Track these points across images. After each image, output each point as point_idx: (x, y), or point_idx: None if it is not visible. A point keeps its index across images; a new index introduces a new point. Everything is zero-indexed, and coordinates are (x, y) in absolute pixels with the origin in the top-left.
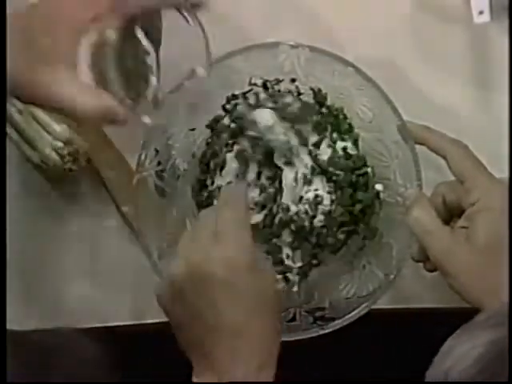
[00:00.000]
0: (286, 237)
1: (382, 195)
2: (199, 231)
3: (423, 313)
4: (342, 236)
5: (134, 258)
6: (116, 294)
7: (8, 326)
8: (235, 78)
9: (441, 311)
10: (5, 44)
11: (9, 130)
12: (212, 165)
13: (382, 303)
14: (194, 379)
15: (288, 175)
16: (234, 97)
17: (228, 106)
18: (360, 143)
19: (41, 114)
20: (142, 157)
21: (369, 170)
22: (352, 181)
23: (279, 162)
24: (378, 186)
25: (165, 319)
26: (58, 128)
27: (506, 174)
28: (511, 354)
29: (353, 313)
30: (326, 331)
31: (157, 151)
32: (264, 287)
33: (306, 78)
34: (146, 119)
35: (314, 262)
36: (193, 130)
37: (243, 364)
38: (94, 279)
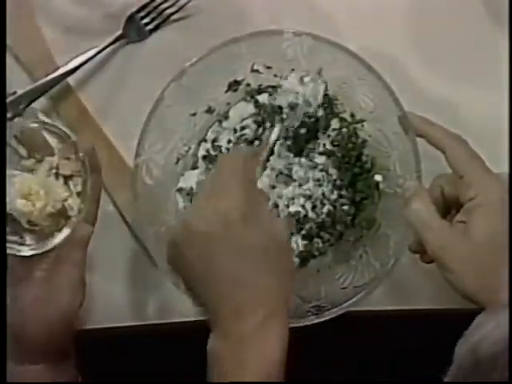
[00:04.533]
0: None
1: (381, 186)
2: (198, 193)
3: (420, 314)
4: (340, 227)
5: (135, 258)
6: (116, 295)
7: None
8: (238, 64)
9: (439, 312)
10: (4, 42)
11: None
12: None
13: (380, 304)
14: (210, 338)
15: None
16: (236, 83)
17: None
18: (360, 133)
19: (42, 117)
20: (142, 141)
21: (369, 159)
22: (353, 170)
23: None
24: (378, 177)
25: (165, 320)
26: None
27: (504, 170)
28: (511, 354)
29: (348, 302)
30: (321, 320)
31: (157, 136)
32: (262, 237)
33: (309, 66)
34: None
35: (316, 253)
36: (194, 114)
37: (248, 315)
38: (94, 280)
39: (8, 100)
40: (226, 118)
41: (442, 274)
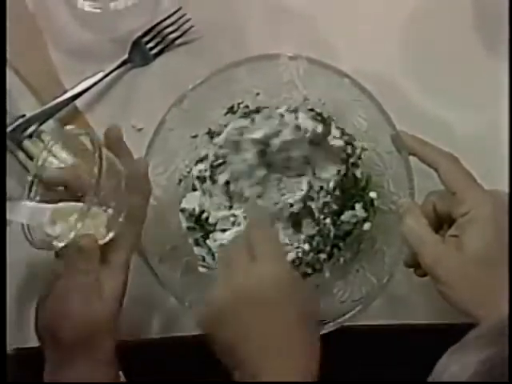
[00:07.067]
0: None
1: (375, 203)
2: (233, 255)
3: (417, 328)
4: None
5: (139, 276)
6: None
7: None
8: (236, 88)
9: (434, 327)
10: (5, 43)
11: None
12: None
13: (378, 319)
14: None
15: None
16: (238, 105)
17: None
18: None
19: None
20: None
21: (364, 177)
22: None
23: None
24: (372, 194)
25: (167, 334)
26: (64, 154)
27: (495, 187)
28: (511, 355)
29: (347, 316)
30: (321, 333)
31: (160, 158)
32: (306, 298)
33: (305, 88)
34: None
35: (310, 271)
36: (195, 136)
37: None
38: None
39: (17, 123)
40: (219, 134)
41: (435, 286)
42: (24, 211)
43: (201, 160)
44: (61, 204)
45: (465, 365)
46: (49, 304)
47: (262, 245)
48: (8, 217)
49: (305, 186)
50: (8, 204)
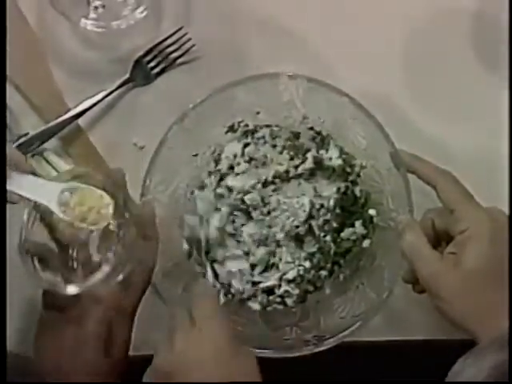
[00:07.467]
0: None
1: (375, 220)
2: (177, 325)
3: (416, 344)
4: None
5: None
6: None
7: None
8: (236, 107)
9: (433, 342)
10: (5, 44)
11: None
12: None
13: (377, 335)
14: None
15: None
16: (236, 124)
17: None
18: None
19: (53, 156)
20: (147, 181)
21: (363, 195)
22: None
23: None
24: (372, 211)
25: None
26: (67, 168)
27: (492, 204)
28: (511, 353)
29: (347, 331)
30: (321, 349)
31: (161, 176)
32: (247, 369)
33: (304, 107)
34: None
35: (311, 289)
36: (195, 155)
37: None
38: None
39: (20, 141)
40: (219, 154)
41: (432, 302)
42: (30, 185)
43: (202, 187)
44: (77, 184)
45: (479, 369)
46: (54, 349)
47: (204, 317)
48: (12, 188)
49: (307, 207)
50: (10, 174)
